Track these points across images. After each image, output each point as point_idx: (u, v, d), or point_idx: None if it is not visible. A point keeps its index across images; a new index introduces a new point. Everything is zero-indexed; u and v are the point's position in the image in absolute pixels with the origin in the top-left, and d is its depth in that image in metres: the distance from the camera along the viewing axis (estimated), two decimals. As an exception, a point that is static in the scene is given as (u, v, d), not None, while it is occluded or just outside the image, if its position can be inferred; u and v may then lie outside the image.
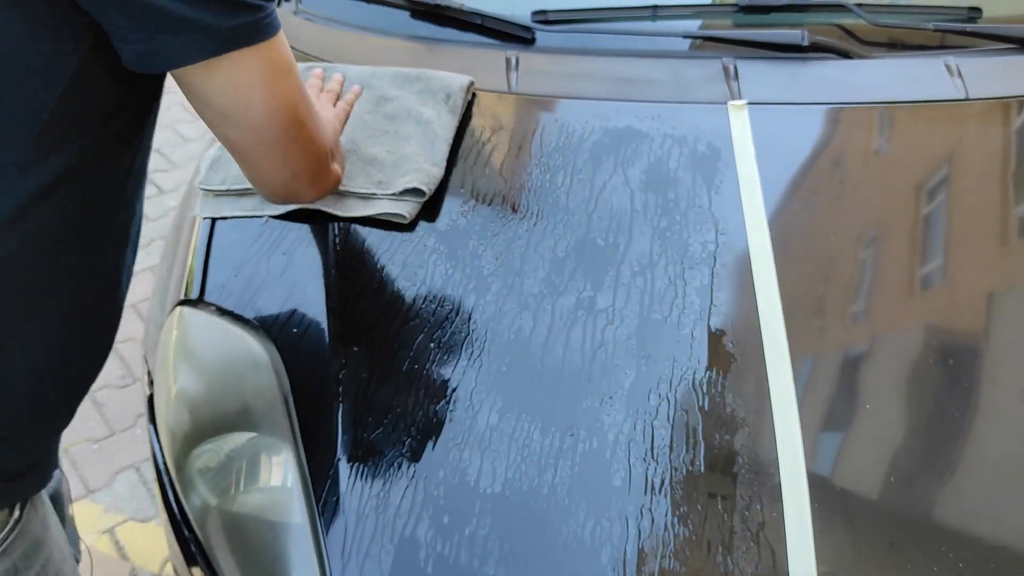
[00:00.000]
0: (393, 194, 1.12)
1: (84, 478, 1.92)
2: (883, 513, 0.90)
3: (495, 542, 0.88)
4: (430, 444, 0.95)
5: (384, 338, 1.03)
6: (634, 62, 1.33)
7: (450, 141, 1.21)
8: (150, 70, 0.71)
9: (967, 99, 1.27)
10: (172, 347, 1.07)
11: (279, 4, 1.48)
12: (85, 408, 2.00)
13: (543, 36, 1.36)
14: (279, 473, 0.96)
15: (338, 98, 1.21)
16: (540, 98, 1.29)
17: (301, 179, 0.87)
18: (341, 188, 1.11)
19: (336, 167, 0.96)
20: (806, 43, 1.32)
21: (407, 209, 1.12)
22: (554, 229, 1.12)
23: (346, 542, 0.90)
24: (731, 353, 1.01)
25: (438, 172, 1.16)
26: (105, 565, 1.73)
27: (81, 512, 1.83)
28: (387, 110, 1.23)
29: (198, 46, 0.69)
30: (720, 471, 0.92)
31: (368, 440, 0.96)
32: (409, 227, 1.13)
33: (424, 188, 1.13)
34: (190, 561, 0.99)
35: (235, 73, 0.73)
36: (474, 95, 1.30)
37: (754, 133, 1.21)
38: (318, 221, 1.14)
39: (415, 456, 0.94)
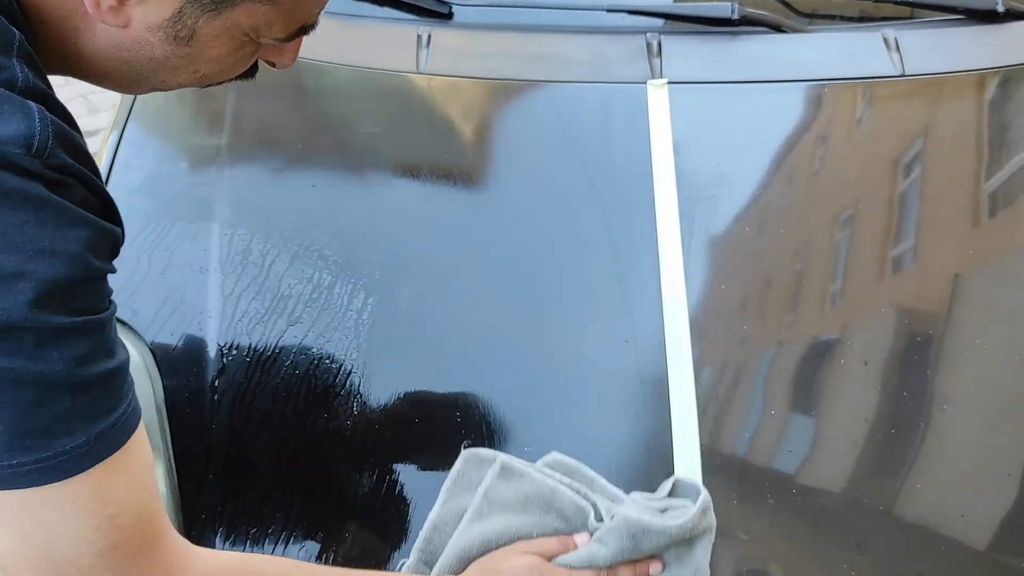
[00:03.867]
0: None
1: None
2: (777, 527, 0.86)
3: (369, 554, 0.84)
4: (307, 457, 0.90)
5: (266, 343, 0.98)
6: (553, 38, 1.26)
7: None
8: None
9: (903, 76, 1.20)
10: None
11: None
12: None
13: (461, 11, 1.29)
14: (149, 485, 0.92)
15: None
16: (449, 78, 1.22)
17: None
18: None
19: None
20: (736, 16, 1.25)
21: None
22: (451, 224, 1.07)
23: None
24: (632, 356, 0.95)
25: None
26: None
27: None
28: None
29: None
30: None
31: (243, 451, 0.92)
32: (298, 224, 1.07)
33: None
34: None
35: None
36: (373, 71, 1.22)
37: (673, 115, 1.14)
38: (202, 216, 1.07)
39: (291, 469, 0.90)
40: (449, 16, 1.29)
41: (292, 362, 0.97)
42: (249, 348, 0.99)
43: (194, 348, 0.97)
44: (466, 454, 0.84)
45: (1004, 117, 1.19)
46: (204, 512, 0.88)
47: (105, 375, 0.56)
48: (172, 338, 0.99)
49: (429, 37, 1.25)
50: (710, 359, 0.95)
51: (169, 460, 0.91)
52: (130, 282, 1.03)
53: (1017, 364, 0.96)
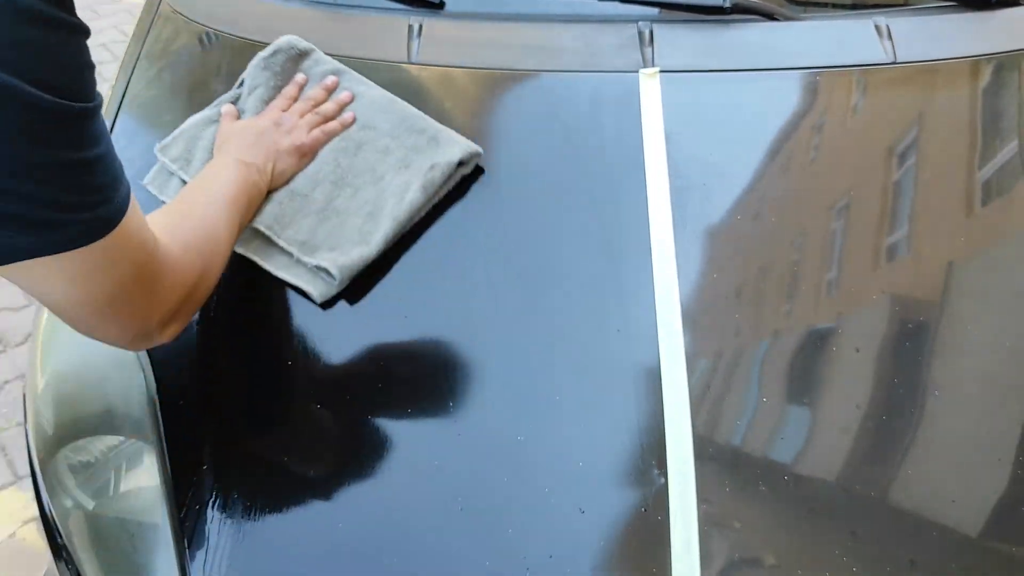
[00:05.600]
0: (310, 265, 0.99)
1: (12, 464, 1.87)
2: (770, 516, 0.86)
3: (357, 548, 0.84)
4: (300, 448, 0.90)
5: (259, 332, 0.98)
6: (545, 28, 1.26)
7: (401, 222, 1.01)
8: None
9: (895, 63, 1.20)
10: (39, 343, 1.02)
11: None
12: (15, 393, 1.95)
13: (453, 1, 1.28)
14: (142, 476, 0.92)
15: (322, 119, 1.09)
16: (441, 68, 1.21)
17: (110, 341, 0.77)
18: (269, 232, 1.00)
19: (172, 329, 0.80)
20: (728, 4, 1.24)
21: (318, 290, 0.98)
22: (442, 213, 1.06)
23: (208, 547, 0.86)
24: (624, 345, 0.95)
25: (364, 253, 0.99)
26: (30, 557, 1.69)
27: (8, 499, 1.79)
28: (366, 159, 1.07)
29: None
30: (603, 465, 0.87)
31: (236, 442, 0.92)
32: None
33: (335, 272, 0.96)
34: (57, 556, 0.95)
35: (26, 275, 0.64)
36: (365, 62, 1.21)
37: (665, 104, 1.14)
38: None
39: (284, 461, 0.90)
40: (441, 6, 1.28)
41: (285, 352, 0.96)
42: (242, 338, 0.99)
43: (186, 339, 0.97)
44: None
45: (997, 104, 1.18)
46: (197, 503, 0.88)
47: (99, 156, 0.62)
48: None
49: (420, 27, 1.24)
50: (702, 348, 0.95)
51: (162, 451, 0.91)
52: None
53: (1009, 351, 0.96)
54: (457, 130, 1.11)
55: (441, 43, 1.23)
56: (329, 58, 1.15)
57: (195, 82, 1.23)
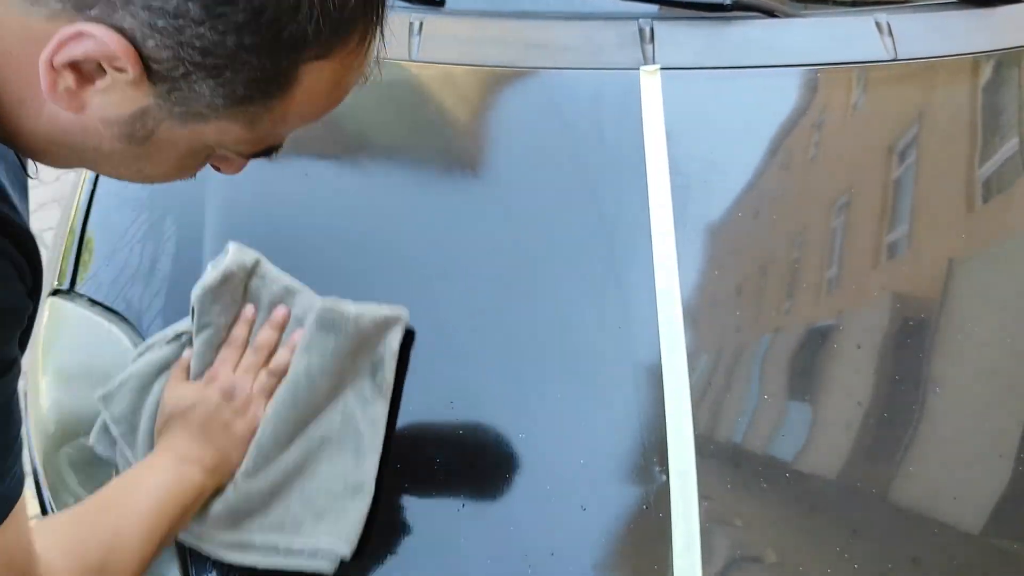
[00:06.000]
0: (305, 550, 0.82)
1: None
2: (771, 513, 0.86)
3: (358, 546, 0.84)
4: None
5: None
6: (545, 25, 1.26)
7: (379, 448, 0.87)
8: None
9: (895, 60, 1.20)
10: (41, 340, 1.02)
11: None
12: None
13: (453, -2, 1.28)
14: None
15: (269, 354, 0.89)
16: (442, 65, 1.21)
17: None
18: (233, 536, 0.83)
19: None
20: (729, 1, 1.24)
21: (326, 566, 0.81)
22: (443, 211, 1.06)
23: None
24: (626, 343, 0.95)
25: (361, 507, 0.84)
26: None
27: None
28: (316, 390, 0.87)
29: None
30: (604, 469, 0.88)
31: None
32: (290, 212, 1.07)
33: (346, 547, 0.81)
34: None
35: None
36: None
37: (665, 101, 1.14)
38: (196, 206, 1.07)
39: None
40: (441, 3, 1.28)
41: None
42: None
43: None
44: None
45: (997, 101, 1.19)
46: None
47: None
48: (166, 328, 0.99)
49: (421, 24, 1.24)
50: (704, 345, 0.95)
51: (163, 450, 0.91)
52: (123, 273, 1.03)
53: (1010, 348, 0.96)
54: (457, 128, 1.11)
55: (441, 40, 1.23)
56: (277, 272, 0.93)
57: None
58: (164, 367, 0.90)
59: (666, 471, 0.85)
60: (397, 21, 1.23)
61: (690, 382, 0.91)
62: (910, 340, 0.96)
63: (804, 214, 1.08)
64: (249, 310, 0.91)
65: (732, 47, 1.22)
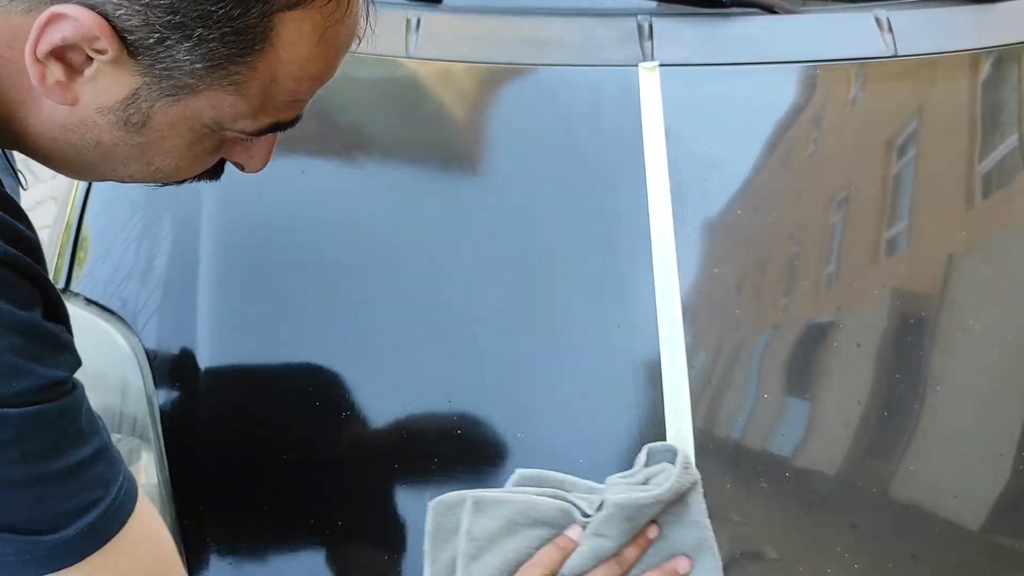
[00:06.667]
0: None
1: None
2: (771, 510, 0.86)
3: (357, 547, 0.84)
4: (298, 446, 0.90)
5: (257, 332, 0.97)
6: (543, 22, 1.25)
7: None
8: None
9: (895, 56, 1.20)
10: (37, 340, 1.01)
11: None
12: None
13: (452, -6, 1.28)
14: (139, 474, 0.91)
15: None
16: (440, 62, 1.21)
17: None
18: None
19: None
20: (728, -3, 1.24)
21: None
22: (441, 209, 1.06)
23: (206, 546, 0.86)
24: (625, 341, 0.95)
25: None
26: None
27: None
28: None
29: None
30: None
31: (234, 441, 0.92)
32: (287, 210, 1.06)
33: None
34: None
35: None
36: (362, 56, 1.20)
37: (664, 98, 1.13)
38: (192, 205, 1.06)
39: (282, 459, 0.89)
40: (438, 0, 1.27)
41: (283, 350, 0.96)
42: (240, 337, 0.98)
43: (184, 337, 0.97)
44: (434, 505, 0.80)
45: (997, 97, 1.18)
46: (195, 502, 0.88)
47: (79, 463, 0.54)
48: (162, 328, 0.98)
49: (418, 21, 1.23)
50: (703, 343, 0.95)
51: (160, 450, 0.91)
52: (119, 272, 1.03)
53: (1010, 345, 0.96)
54: (455, 125, 1.10)
55: (439, 37, 1.22)
56: (702, 510, 0.82)
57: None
58: (544, 525, 0.79)
59: (665, 470, 0.85)
60: (395, 18, 1.23)
61: (689, 380, 0.90)
62: (910, 337, 0.96)
63: (803, 211, 1.07)
64: (652, 531, 0.80)
65: (731, 43, 1.21)
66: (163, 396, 0.94)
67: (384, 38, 1.21)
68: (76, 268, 1.04)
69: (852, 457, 0.89)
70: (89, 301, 1.01)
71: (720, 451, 0.88)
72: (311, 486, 0.88)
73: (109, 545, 0.56)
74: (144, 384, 0.94)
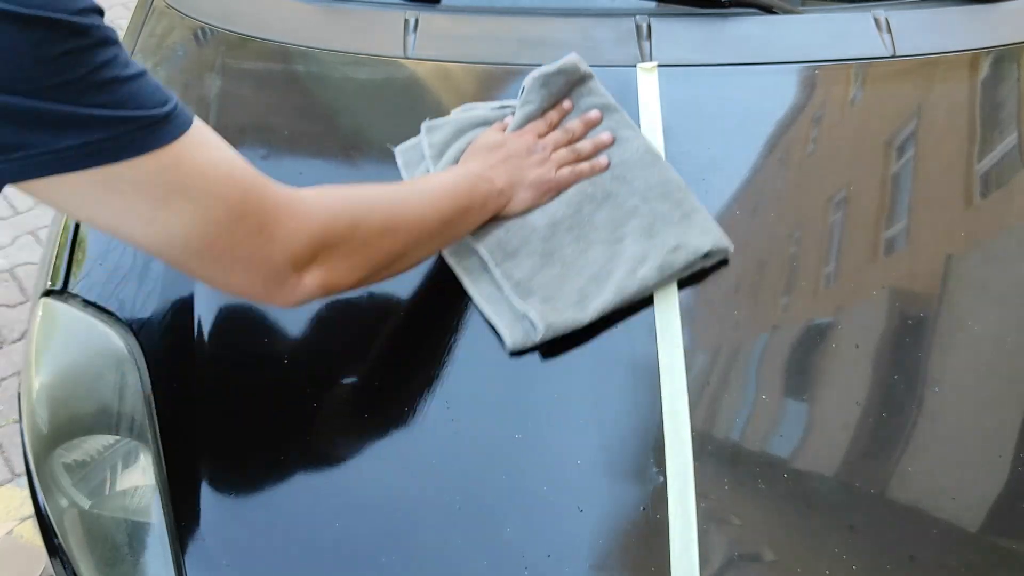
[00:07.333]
0: (517, 310, 0.93)
1: (9, 461, 1.87)
2: (769, 513, 0.85)
3: (355, 547, 0.83)
4: (296, 448, 0.90)
5: (255, 331, 0.97)
6: (541, 22, 1.25)
7: (625, 297, 0.95)
8: None
9: (894, 56, 1.19)
10: (35, 341, 1.01)
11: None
12: (11, 390, 1.94)
13: (449, -5, 1.28)
14: (137, 475, 0.91)
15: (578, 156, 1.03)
16: (438, 63, 1.20)
17: (246, 294, 0.78)
18: (487, 257, 0.96)
19: (311, 278, 0.77)
20: (726, -3, 1.24)
21: (513, 339, 0.92)
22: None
23: (204, 546, 0.86)
24: (622, 341, 0.95)
25: (574, 319, 0.93)
26: (28, 554, 1.68)
27: (6, 497, 1.79)
28: (606, 215, 1.00)
29: (23, 164, 0.60)
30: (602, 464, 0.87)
31: (233, 441, 0.91)
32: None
33: (542, 328, 0.91)
34: (52, 555, 0.95)
35: (76, 195, 0.63)
36: (360, 56, 1.20)
37: (663, 98, 1.13)
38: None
39: (280, 460, 0.89)
40: (436, 0, 1.27)
41: (282, 350, 0.96)
42: (238, 337, 0.98)
43: (182, 338, 0.97)
44: (398, 150, 1.08)
45: (996, 97, 1.18)
46: (193, 502, 0.87)
47: (140, 73, 0.62)
48: (160, 328, 0.98)
49: (416, 21, 1.23)
50: (701, 344, 0.95)
51: (158, 450, 0.91)
52: (116, 273, 1.02)
53: (1009, 346, 0.96)
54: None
55: (437, 38, 1.22)
56: (603, 91, 1.08)
57: (189, 77, 1.22)
58: (485, 123, 1.07)
59: (663, 471, 0.85)
60: (392, 18, 1.23)
61: (687, 381, 0.90)
62: (908, 338, 0.95)
63: (802, 211, 1.07)
64: (566, 103, 1.07)
65: (730, 44, 1.21)
66: (161, 397, 0.93)
67: (382, 38, 1.22)
68: (74, 269, 1.04)
69: (850, 458, 0.89)
70: (87, 302, 1.01)
71: (718, 452, 0.88)
72: (310, 485, 0.88)
73: (191, 132, 0.65)
74: (142, 385, 0.94)
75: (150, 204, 0.65)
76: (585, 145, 1.04)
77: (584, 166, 1.02)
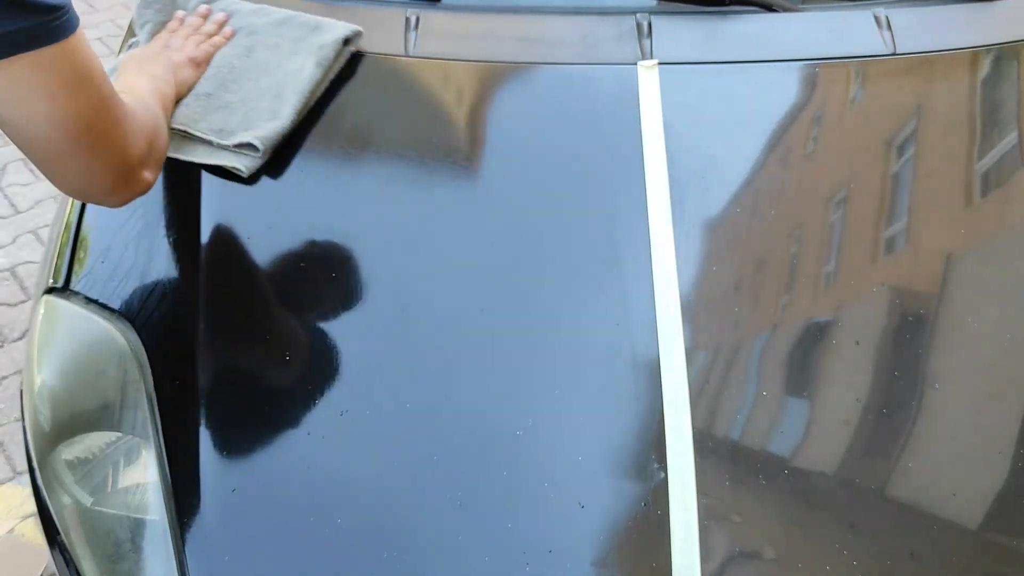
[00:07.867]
0: (231, 146, 1.08)
1: (11, 460, 1.87)
2: (770, 509, 0.86)
3: (356, 542, 0.84)
4: (298, 443, 0.90)
5: (256, 329, 0.97)
6: (542, 20, 1.25)
7: (305, 95, 1.12)
8: None
9: (894, 54, 1.20)
10: (36, 338, 1.01)
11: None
12: (13, 388, 1.95)
13: (450, -8, 1.28)
14: (139, 472, 0.91)
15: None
16: (439, 61, 1.21)
17: (96, 188, 0.84)
18: (185, 129, 1.09)
19: (147, 174, 0.89)
20: (727, -5, 1.24)
21: (244, 164, 1.07)
22: (441, 207, 1.06)
23: (206, 543, 0.86)
24: (624, 339, 0.95)
25: (278, 126, 1.09)
26: (29, 552, 1.69)
27: (8, 495, 1.79)
28: (258, 57, 1.18)
29: None
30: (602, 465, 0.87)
31: (234, 439, 0.91)
32: (285, 209, 1.06)
33: (258, 144, 1.06)
34: (54, 552, 0.95)
35: (10, 82, 0.70)
36: (361, 54, 1.20)
37: (663, 96, 1.13)
38: (192, 204, 1.07)
39: (282, 456, 0.89)
40: (438, -2, 1.28)
41: (283, 347, 0.96)
42: (240, 335, 0.99)
43: (184, 336, 0.97)
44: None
45: (996, 95, 1.18)
46: (195, 499, 0.87)
47: None
48: (162, 326, 0.98)
49: (417, 20, 1.23)
50: (702, 341, 0.95)
51: (160, 447, 0.91)
52: (118, 270, 1.03)
53: (1009, 343, 0.96)
54: (456, 124, 1.10)
55: (438, 36, 1.22)
56: None
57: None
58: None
59: (664, 468, 0.85)
60: (393, 16, 1.24)
61: (688, 378, 0.90)
62: (909, 336, 0.96)
63: (802, 209, 1.07)
64: (179, 12, 1.23)
65: (730, 42, 1.21)
66: (162, 394, 0.94)
67: (383, 36, 1.22)
68: (76, 267, 1.04)
69: (851, 455, 0.89)
70: (89, 300, 1.01)
71: (719, 449, 0.88)
72: (311, 481, 0.88)
73: (71, 39, 0.72)
74: (144, 382, 0.94)
75: (59, 84, 0.72)
76: (208, 26, 1.21)
77: (217, 38, 1.20)
